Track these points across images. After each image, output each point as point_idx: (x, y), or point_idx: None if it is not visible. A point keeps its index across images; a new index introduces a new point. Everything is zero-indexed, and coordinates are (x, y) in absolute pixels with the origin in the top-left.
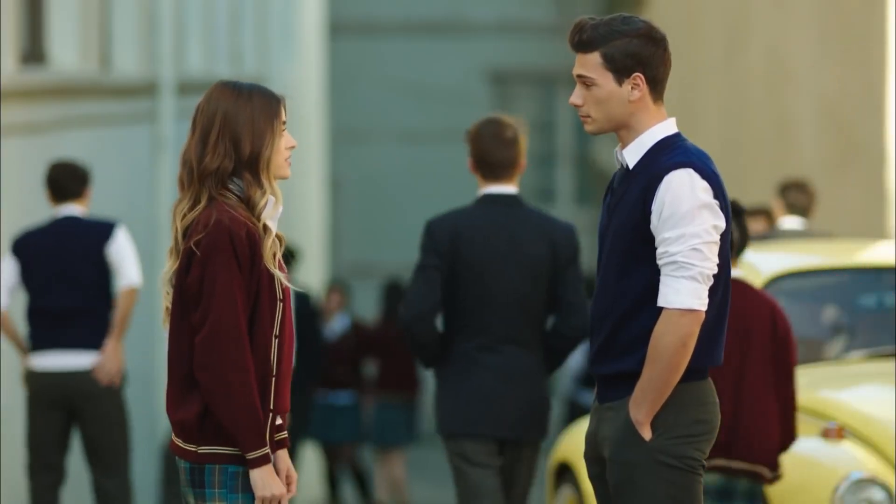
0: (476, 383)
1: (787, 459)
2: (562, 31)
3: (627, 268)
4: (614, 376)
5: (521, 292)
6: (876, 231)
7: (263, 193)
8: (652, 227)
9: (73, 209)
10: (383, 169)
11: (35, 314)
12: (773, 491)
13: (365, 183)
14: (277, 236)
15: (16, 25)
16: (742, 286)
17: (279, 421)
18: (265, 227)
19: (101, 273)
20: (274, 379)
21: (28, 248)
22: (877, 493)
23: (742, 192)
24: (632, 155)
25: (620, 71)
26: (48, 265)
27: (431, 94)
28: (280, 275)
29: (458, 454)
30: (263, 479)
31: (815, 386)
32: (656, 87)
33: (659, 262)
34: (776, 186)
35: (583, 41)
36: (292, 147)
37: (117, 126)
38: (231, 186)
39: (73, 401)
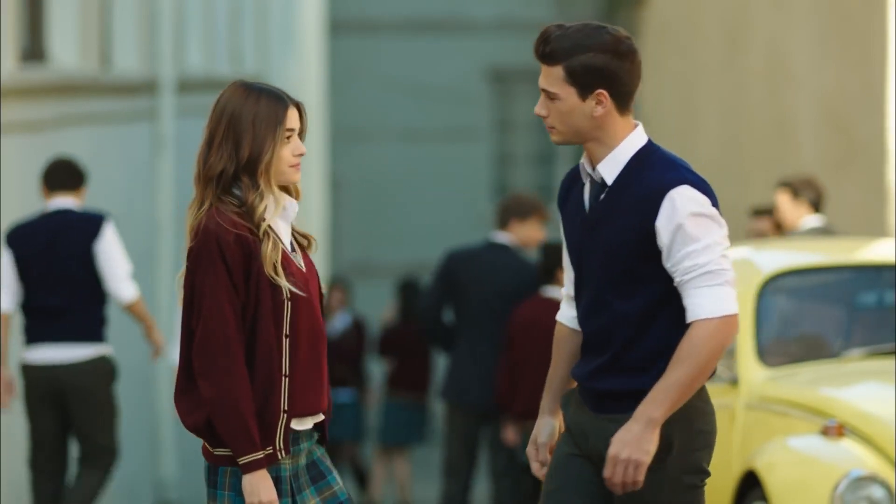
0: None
1: (786, 457)
2: None
3: (628, 288)
4: (620, 392)
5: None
6: (876, 229)
7: (262, 198)
8: (662, 245)
9: (66, 202)
10: (383, 168)
11: (28, 309)
12: (773, 489)
13: (365, 182)
14: (306, 237)
15: (16, 23)
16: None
17: (301, 425)
18: (266, 233)
19: (91, 271)
20: (287, 379)
21: (19, 242)
22: (877, 491)
23: (743, 191)
24: (608, 170)
25: (583, 86)
26: (38, 262)
27: (431, 92)
28: (282, 282)
29: None
30: (252, 485)
31: (814, 384)
32: (622, 100)
33: (684, 277)
34: (780, 184)
35: (546, 54)
36: (300, 154)
37: (117, 124)
38: (235, 191)
39: (64, 394)
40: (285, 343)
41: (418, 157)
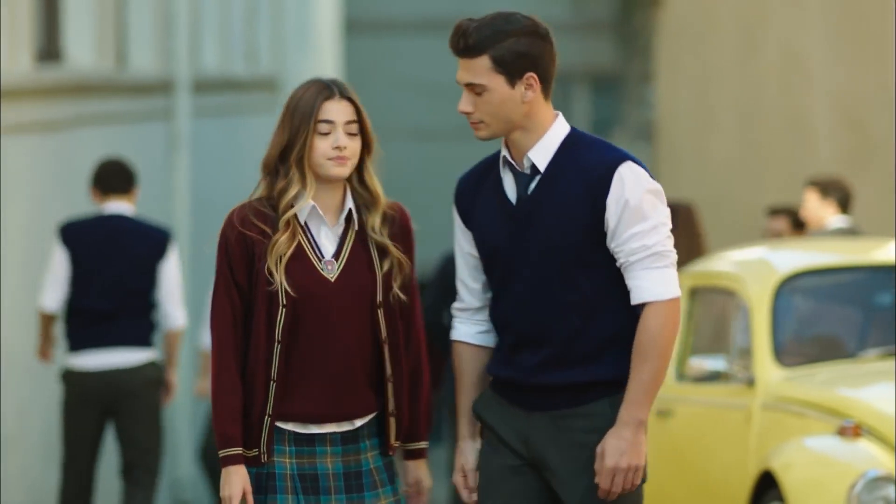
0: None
1: (803, 457)
2: (577, 29)
3: (573, 275)
4: (576, 384)
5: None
6: (891, 228)
7: (289, 186)
8: (609, 225)
9: (121, 207)
10: (398, 166)
11: (75, 313)
12: (789, 489)
13: (380, 180)
14: (383, 247)
15: (31, 23)
16: None
17: (306, 429)
18: (287, 223)
19: (149, 282)
20: (274, 384)
21: (75, 240)
22: (893, 491)
23: (758, 190)
24: (540, 157)
25: (512, 72)
26: (92, 264)
27: (446, 92)
28: (276, 280)
29: None
30: (223, 479)
31: (831, 384)
32: (547, 84)
33: (630, 259)
34: (809, 183)
35: (469, 45)
36: (337, 148)
37: (133, 124)
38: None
39: (112, 398)
40: (276, 348)
41: (433, 156)
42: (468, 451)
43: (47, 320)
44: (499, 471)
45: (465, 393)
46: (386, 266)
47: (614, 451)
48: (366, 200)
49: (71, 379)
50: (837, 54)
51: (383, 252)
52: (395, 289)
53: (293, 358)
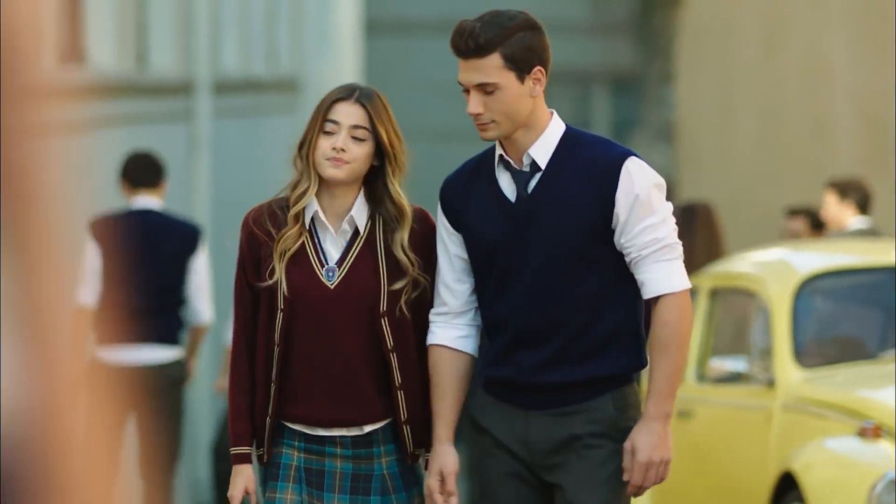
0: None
1: (823, 458)
2: (597, 30)
3: (579, 273)
4: (575, 383)
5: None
6: None
7: (299, 179)
8: (617, 218)
9: (150, 201)
10: (418, 168)
11: (106, 307)
12: (810, 490)
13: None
14: (397, 259)
15: (53, 24)
16: None
17: (312, 431)
18: (296, 218)
19: (179, 277)
20: (274, 386)
21: (105, 235)
22: None
23: (779, 191)
24: (541, 153)
25: (522, 68)
26: (124, 260)
27: None
28: (280, 276)
29: None
30: (231, 476)
31: (851, 385)
32: (547, 77)
33: (642, 252)
34: (828, 184)
35: (480, 45)
36: (334, 149)
37: (153, 125)
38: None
39: (136, 394)
40: (276, 351)
41: (453, 156)
42: (447, 454)
43: (82, 318)
44: (497, 477)
45: (442, 398)
46: (398, 283)
47: (646, 445)
48: (393, 215)
49: (98, 372)
50: (859, 55)
51: (396, 264)
52: (402, 302)
53: (292, 361)
